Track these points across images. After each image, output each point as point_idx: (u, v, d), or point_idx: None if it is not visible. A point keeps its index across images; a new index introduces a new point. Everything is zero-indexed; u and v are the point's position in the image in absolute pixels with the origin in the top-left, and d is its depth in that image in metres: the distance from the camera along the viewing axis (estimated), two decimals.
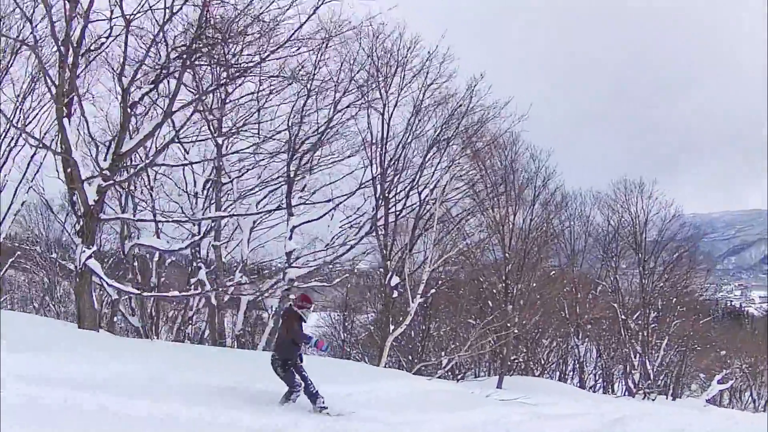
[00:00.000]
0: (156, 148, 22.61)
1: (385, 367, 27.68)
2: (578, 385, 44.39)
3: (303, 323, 11.72)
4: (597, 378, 49.90)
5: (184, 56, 19.09)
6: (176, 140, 22.18)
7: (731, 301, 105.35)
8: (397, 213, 28.94)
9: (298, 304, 11.87)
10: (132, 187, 25.66)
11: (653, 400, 40.44)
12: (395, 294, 27.76)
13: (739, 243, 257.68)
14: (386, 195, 27.83)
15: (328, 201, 27.22)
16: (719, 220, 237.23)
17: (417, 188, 28.78)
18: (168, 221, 25.06)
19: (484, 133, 29.40)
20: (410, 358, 34.73)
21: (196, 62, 20.00)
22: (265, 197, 27.86)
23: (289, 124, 26.09)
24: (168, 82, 20.28)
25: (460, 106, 27.91)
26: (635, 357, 43.33)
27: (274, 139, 26.45)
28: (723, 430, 16.62)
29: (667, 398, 45.12)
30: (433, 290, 31.29)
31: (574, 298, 43.13)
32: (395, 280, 27.52)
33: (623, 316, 42.77)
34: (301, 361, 11.74)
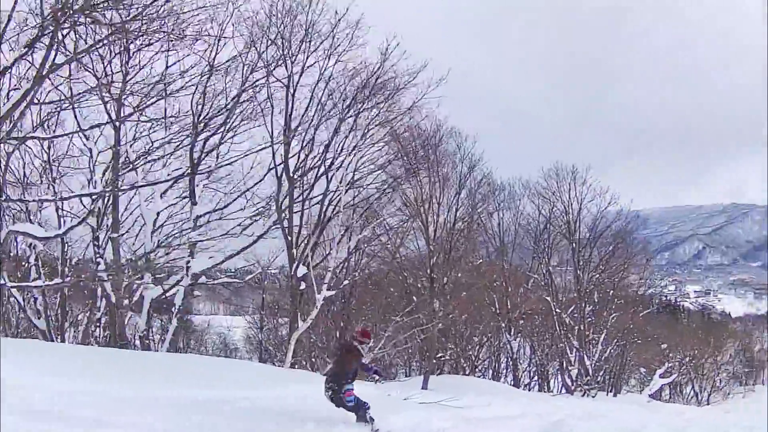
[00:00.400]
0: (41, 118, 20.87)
1: (295, 367, 26.44)
2: (512, 383, 43.40)
3: (361, 358, 11.73)
4: (532, 375, 49.04)
5: (59, 14, 16.63)
6: (37, 102, 19.45)
7: (666, 296, 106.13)
8: (305, 198, 26.44)
9: (358, 339, 11.74)
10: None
11: (593, 397, 39.51)
12: (302, 286, 25.45)
13: (672, 239, 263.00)
14: (291, 177, 25.29)
15: (228, 174, 25.08)
16: (650, 217, 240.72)
17: (326, 170, 26.31)
18: (34, 200, 22.41)
19: (398, 101, 26.99)
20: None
21: (70, 20, 17.47)
22: (170, 186, 25.13)
23: (193, 108, 23.59)
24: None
25: (371, 76, 25.53)
26: (572, 352, 42.17)
27: (176, 97, 23.64)
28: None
29: (607, 394, 44.46)
30: (346, 282, 29.10)
31: (505, 292, 41.96)
32: (302, 270, 25.19)
33: (557, 310, 41.32)
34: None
